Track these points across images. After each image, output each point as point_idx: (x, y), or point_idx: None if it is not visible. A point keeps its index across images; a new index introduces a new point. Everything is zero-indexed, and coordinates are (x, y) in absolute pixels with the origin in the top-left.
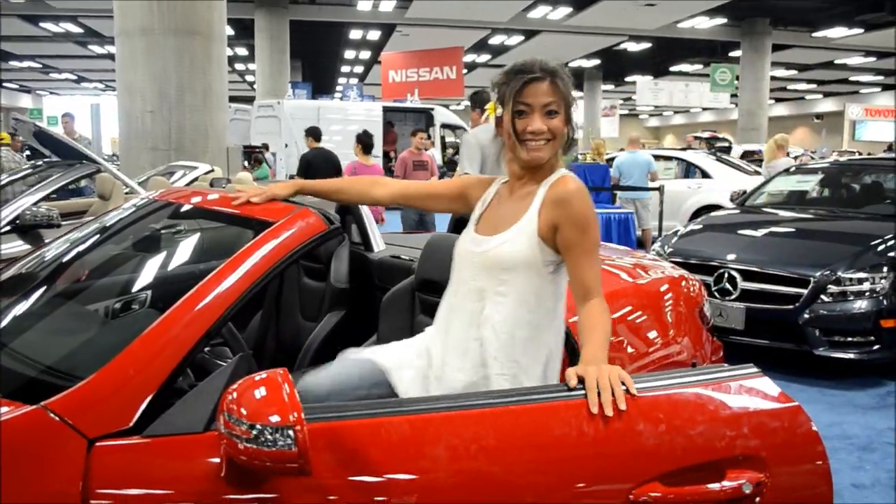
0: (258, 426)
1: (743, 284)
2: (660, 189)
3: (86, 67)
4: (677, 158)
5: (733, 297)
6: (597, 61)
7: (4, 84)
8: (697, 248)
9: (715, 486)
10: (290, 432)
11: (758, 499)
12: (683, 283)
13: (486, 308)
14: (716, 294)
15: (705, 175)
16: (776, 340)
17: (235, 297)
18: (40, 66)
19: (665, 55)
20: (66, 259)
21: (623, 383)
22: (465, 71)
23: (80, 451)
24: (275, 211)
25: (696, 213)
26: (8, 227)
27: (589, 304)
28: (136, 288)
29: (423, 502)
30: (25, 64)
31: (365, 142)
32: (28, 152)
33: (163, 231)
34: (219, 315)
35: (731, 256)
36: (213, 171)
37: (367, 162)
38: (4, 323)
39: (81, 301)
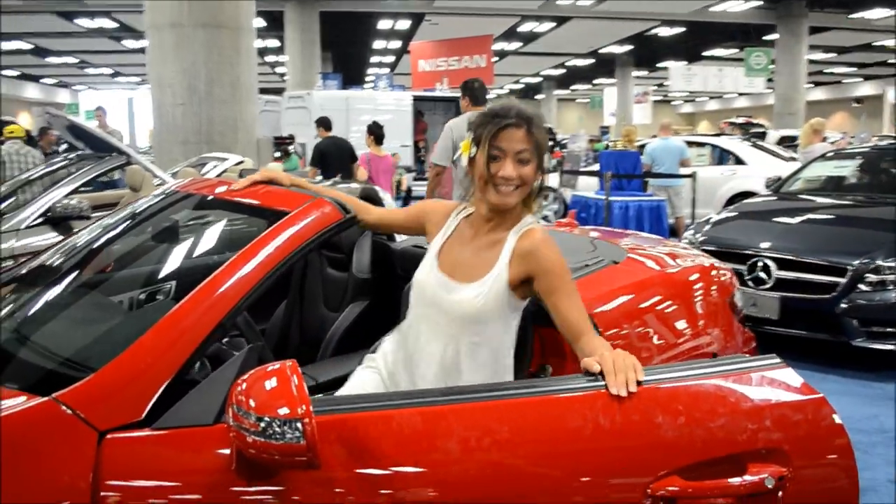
0: (266, 419)
1: (777, 273)
2: (692, 176)
3: (121, 62)
4: (711, 145)
5: (767, 286)
6: (629, 47)
7: (41, 80)
8: (730, 235)
9: (736, 480)
10: (299, 425)
11: (780, 493)
12: (714, 271)
13: (461, 358)
14: (749, 283)
15: (739, 161)
16: (812, 331)
17: (250, 287)
18: (77, 61)
19: (698, 40)
20: (83, 252)
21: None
22: (494, 59)
23: (91, 443)
24: (290, 200)
25: (731, 201)
26: (40, 220)
27: (584, 338)
28: (148, 279)
29: (434, 496)
30: (62, 60)
31: (376, 133)
32: (65, 145)
33: (180, 222)
34: (233, 305)
35: (765, 244)
36: (242, 162)
37: (379, 153)
38: (19, 314)
39: (95, 292)
